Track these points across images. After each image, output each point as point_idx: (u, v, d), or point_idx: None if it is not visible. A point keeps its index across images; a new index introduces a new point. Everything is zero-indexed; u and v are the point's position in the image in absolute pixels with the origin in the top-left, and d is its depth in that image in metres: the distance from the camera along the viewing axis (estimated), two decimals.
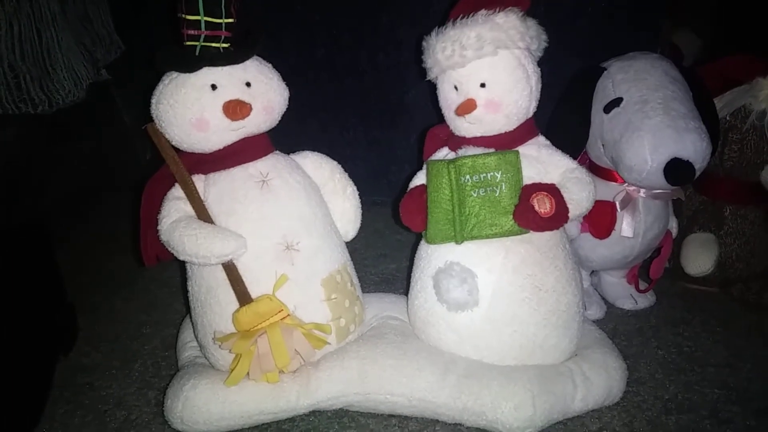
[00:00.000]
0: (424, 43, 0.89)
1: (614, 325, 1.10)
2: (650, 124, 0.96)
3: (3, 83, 0.84)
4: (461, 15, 0.85)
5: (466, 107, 0.86)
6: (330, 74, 1.49)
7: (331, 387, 0.86)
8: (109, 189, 1.49)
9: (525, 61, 0.86)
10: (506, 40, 0.84)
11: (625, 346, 1.03)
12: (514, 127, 0.88)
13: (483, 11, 0.84)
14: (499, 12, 0.84)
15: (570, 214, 0.84)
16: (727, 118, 1.14)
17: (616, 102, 1.01)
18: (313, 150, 0.97)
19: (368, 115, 1.53)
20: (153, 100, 0.84)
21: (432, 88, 0.93)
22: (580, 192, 0.85)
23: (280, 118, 0.91)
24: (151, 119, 0.85)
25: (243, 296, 0.83)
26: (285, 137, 0.93)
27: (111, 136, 1.04)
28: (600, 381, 0.87)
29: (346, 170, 0.97)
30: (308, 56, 1.47)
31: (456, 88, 0.88)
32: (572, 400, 0.85)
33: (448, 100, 0.89)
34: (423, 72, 0.91)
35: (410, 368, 0.87)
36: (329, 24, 1.45)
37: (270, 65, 0.89)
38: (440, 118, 0.94)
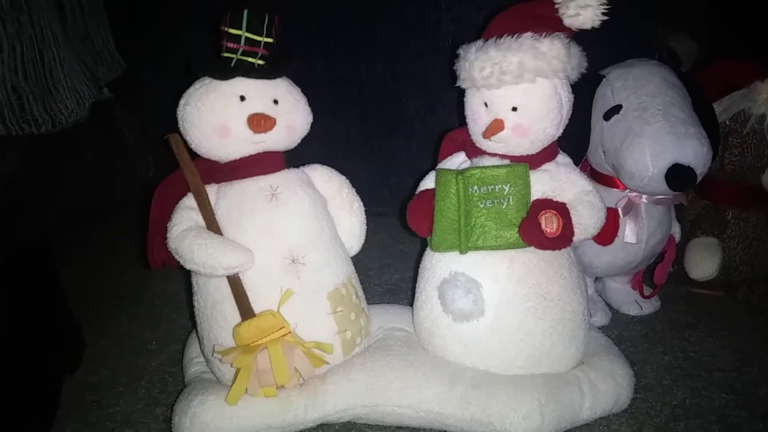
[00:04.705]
0: (460, 51, 0.86)
1: (620, 332, 1.10)
2: (650, 131, 0.96)
3: (6, 104, 0.84)
4: (505, 33, 0.82)
5: (494, 129, 0.84)
6: (329, 86, 1.50)
7: (339, 400, 0.86)
8: (112, 207, 1.49)
9: (561, 90, 0.84)
10: (548, 71, 0.81)
11: (632, 353, 1.03)
12: (537, 151, 0.87)
13: (528, 34, 0.81)
14: (544, 37, 0.81)
15: (575, 238, 0.84)
16: (727, 122, 1.15)
17: (616, 109, 1.02)
18: (314, 162, 0.97)
19: (368, 126, 1.54)
20: (181, 101, 0.85)
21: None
22: (589, 217, 0.85)
23: (299, 141, 0.91)
24: (159, 135, 0.86)
25: (246, 311, 0.83)
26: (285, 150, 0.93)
27: (113, 154, 1.04)
28: (607, 388, 0.87)
29: None
30: (306, 68, 1.47)
31: (486, 105, 0.86)
32: (580, 409, 0.85)
33: (476, 114, 0.87)
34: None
35: (417, 379, 0.87)
36: (326, 36, 1.46)
37: (299, 89, 0.91)
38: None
